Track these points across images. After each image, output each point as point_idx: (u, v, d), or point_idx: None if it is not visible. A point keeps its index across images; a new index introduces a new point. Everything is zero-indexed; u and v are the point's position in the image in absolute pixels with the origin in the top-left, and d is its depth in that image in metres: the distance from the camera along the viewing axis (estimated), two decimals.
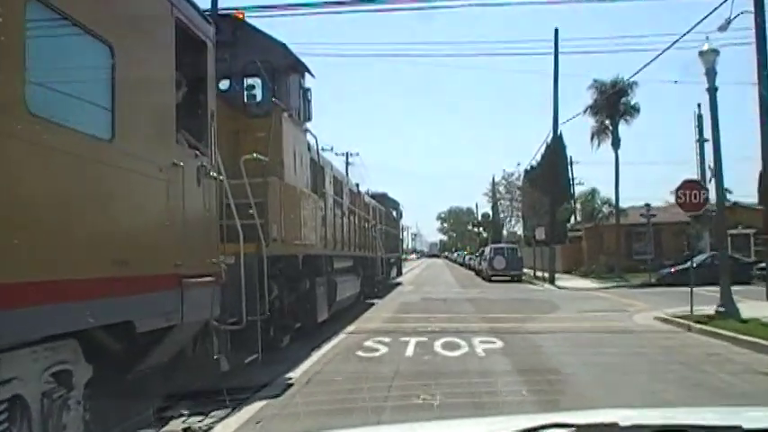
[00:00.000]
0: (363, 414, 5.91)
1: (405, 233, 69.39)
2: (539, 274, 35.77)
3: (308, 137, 11.12)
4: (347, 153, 52.62)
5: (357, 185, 21.48)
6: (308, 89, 10.61)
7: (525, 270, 37.54)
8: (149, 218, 4.83)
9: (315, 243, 11.01)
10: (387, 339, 11.09)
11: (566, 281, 30.96)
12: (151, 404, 5.87)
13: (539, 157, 43.12)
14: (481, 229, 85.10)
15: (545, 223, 34.64)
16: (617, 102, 34.85)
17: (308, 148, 11.26)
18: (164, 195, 4.99)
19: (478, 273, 41.60)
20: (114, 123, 4.24)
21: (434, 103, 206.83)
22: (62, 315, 3.86)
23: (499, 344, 10.42)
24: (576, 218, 44.39)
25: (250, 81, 9.39)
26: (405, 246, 68.42)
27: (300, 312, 10.46)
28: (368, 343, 10.75)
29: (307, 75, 10.60)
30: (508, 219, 50.76)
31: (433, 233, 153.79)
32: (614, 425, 1.58)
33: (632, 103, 35.64)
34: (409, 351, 9.98)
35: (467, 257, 65.80)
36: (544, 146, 41.15)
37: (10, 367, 3.62)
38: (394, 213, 34.62)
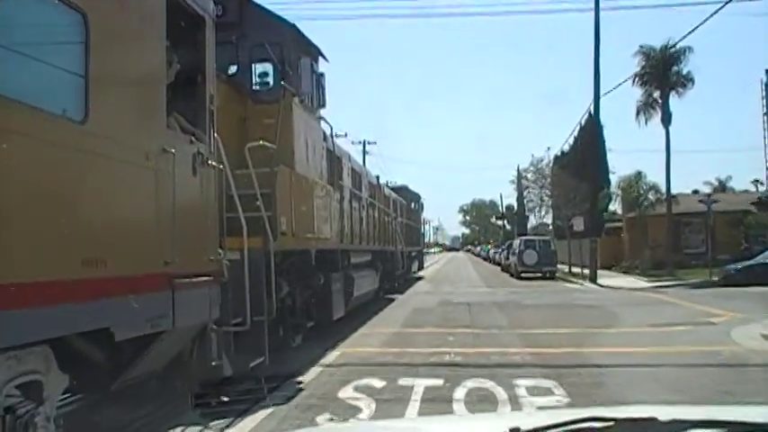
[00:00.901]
0: None
1: (426, 226, 67.05)
2: (575, 270, 31.76)
3: (323, 125, 10.57)
4: (364, 141, 50.23)
5: (377, 177, 20.90)
6: (322, 74, 10.02)
7: (558, 266, 33.26)
8: (131, 211, 4.29)
9: (330, 237, 10.45)
10: (379, 384, 7.19)
11: (608, 278, 26.82)
12: (152, 409, 5.42)
13: (572, 141, 39.87)
14: (505, 221, 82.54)
15: (583, 212, 30.24)
16: (667, 71, 30.12)
17: (324, 138, 10.70)
18: (150, 185, 4.45)
19: (505, 268, 37.88)
20: (87, 102, 3.70)
21: (457, 89, 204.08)
22: (26, 322, 3.35)
23: (558, 393, 6.56)
24: (616, 206, 38.71)
25: (258, 65, 8.81)
26: (426, 239, 66.46)
27: (314, 310, 9.93)
28: (346, 392, 6.92)
29: (320, 58, 10.02)
30: (537, 209, 44.03)
31: (455, 226, 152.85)
32: (653, 419, 1.55)
33: (684, 71, 30.51)
34: (411, 412, 6.04)
35: (491, 251, 61.85)
36: (578, 129, 38.26)
37: None
38: (414, 206, 34.04)
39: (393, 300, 18.88)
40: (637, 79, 31.09)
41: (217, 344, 5.86)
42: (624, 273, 31.03)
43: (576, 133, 38.83)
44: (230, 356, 6.32)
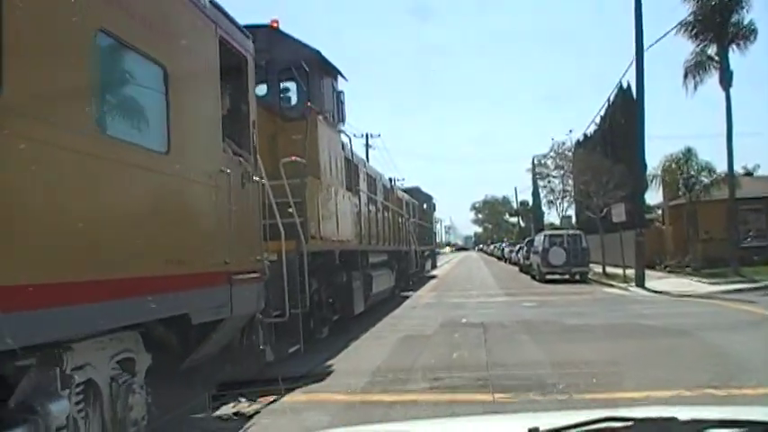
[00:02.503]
0: None
1: (437, 226, 66.08)
2: (611, 270, 26.41)
3: (342, 137, 11.59)
4: (367, 134, 45.93)
5: (390, 180, 21.90)
6: (341, 92, 11.07)
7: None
8: (201, 220, 5.32)
9: (351, 239, 11.48)
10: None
11: (656, 280, 21.67)
12: (204, 391, 6.41)
13: (598, 122, 35.76)
14: (520, 218, 79.33)
15: (619, 200, 24.97)
16: (726, 19, 23.81)
17: (342, 147, 11.73)
18: (213, 200, 5.49)
19: (525, 269, 32.67)
20: (169, 138, 4.73)
21: (466, 81, 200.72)
22: (126, 309, 4.36)
23: None
24: (655, 193, 31.58)
25: (286, 86, 9.86)
26: (438, 239, 66.43)
27: (338, 305, 10.95)
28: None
29: (339, 78, 11.06)
30: (558, 200, 38.38)
31: (467, 225, 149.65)
32: (672, 419, 1.52)
33: (745, 22, 24.18)
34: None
35: (506, 250, 55.39)
36: (605, 108, 34.28)
37: (82, 355, 4.12)
38: (426, 207, 35.02)
39: (408, 297, 19.87)
40: (685, 29, 24.86)
41: (262, 332, 6.90)
42: (671, 272, 25.94)
43: (602, 112, 34.94)
44: (272, 344, 7.38)
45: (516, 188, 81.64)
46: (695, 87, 25.65)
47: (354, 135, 45.48)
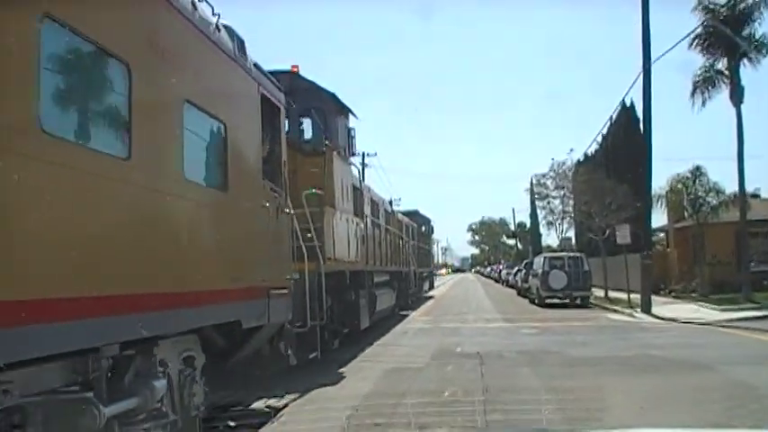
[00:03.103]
0: None
1: (435, 247, 65.49)
2: (612, 295, 25.39)
3: (352, 168, 12.87)
4: (363, 153, 45.68)
5: (390, 203, 23.20)
6: (352, 128, 12.39)
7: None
8: (250, 246, 6.55)
9: (358, 260, 12.70)
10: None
11: (662, 306, 20.79)
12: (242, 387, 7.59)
13: (600, 141, 34.43)
14: (517, 240, 78.43)
15: (622, 221, 24.05)
16: (737, 32, 22.45)
17: (351, 177, 13.00)
18: (257, 229, 6.72)
19: (523, 293, 31.51)
20: (227, 179, 5.98)
21: (461, 95, 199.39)
22: (191, 315, 5.54)
23: None
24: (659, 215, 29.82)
25: (305, 124, 11.14)
26: (435, 260, 66.56)
27: (347, 320, 12.12)
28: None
29: (351, 116, 12.38)
30: (558, 220, 37.35)
31: (464, 247, 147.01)
32: None
33: (758, 35, 23.04)
34: None
35: (503, 272, 53.60)
36: (607, 127, 33.20)
37: (164, 350, 5.29)
38: (425, 229, 36.34)
39: (406, 315, 21.02)
40: (695, 42, 23.75)
41: (288, 339, 8.09)
42: (677, 297, 24.91)
43: (604, 131, 34.00)
44: (294, 351, 8.56)
45: (514, 209, 78.56)
46: (703, 103, 24.36)
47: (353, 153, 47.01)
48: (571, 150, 41.59)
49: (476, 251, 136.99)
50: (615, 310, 21.61)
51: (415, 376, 9.45)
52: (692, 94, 24.53)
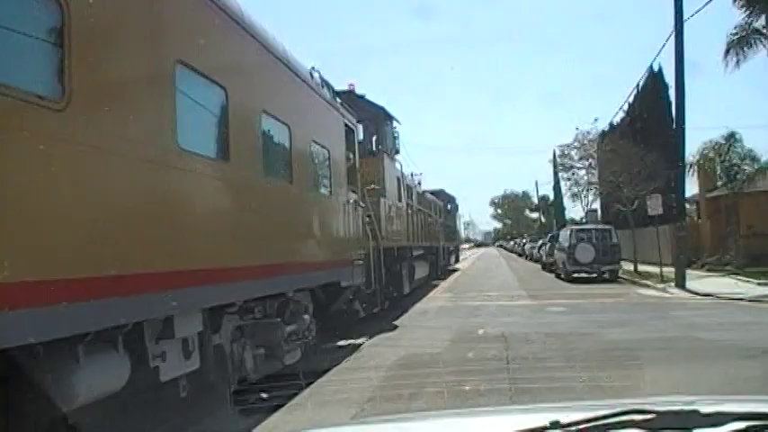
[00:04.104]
0: None
1: (459, 222, 65.61)
2: (643, 268, 24.47)
3: (396, 163, 15.84)
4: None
5: (419, 183, 26.14)
6: (396, 132, 15.34)
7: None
8: (343, 230, 9.59)
9: (402, 238, 15.71)
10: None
11: (696, 280, 19.47)
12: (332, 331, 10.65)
13: (625, 109, 33.07)
14: (540, 214, 77.23)
15: (653, 191, 22.53)
16: None
17: (396, 171, 15.96)
18: (345, 218, 9.75)
19: (548, 267, 30.44)
20: (331, 188, 9.00)
21: (485, 67, 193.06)
22: (322, 276, 8.57)
23: None
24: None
25: (362, 132, 14.11)
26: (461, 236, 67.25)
27: (394, 286, 15.16)
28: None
29: (395, 122, 15.33)
30: (583, 192, 35.93)
31: (486, 221, 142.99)
32: (694, 411, 1.48)
33: None
34: None
35: (527, 246, 51.79)
36: (633, 95, 31.88)
37: (298, 298, 8.34)
38: (450, 207, 39.22)
39: (437, 285, 24.05)
40: None
41: (360, 298, 11.16)
42: (710, 271, 23.49)
43: (630, 99, 32.63)
44: (363, 307, 11.64)
45: (537, 182, 77.47)
46: (737, 64, 22.89)
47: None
48: (596, 120, 41.44)
49: (498, 225, 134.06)
50: (646, 285, 20.60)
51: (432, 363, 8.21)
52: (726, 54, 23.06)
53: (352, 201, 10.18)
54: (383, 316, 13.25)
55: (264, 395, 5.17)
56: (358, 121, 13.99)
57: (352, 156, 10.78)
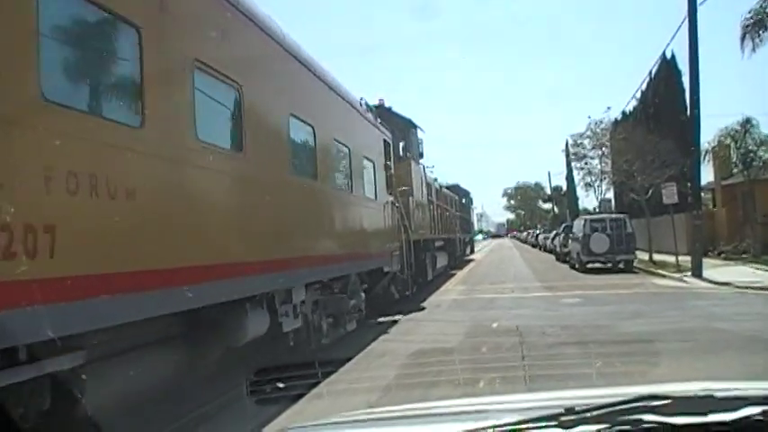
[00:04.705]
0: None
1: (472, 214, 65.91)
2: (657, 258, 24.51)
3: (421, 166, 18.04)
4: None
5: (436, 180, 28.28)
6: (421, 139, 17.53)
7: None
8: (382, 226, 11.80)
9: (426, 231, 17.91)
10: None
11: (713, 269, 19.23)
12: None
13: (638, 98, 32.80)
14: (553, 204, 77.22)
15: (668, 179, 22.57)
16: None
17: (421, 172, 18.15)
18: (385, 216, 11.97)
19: (562, 257, 30.25)
20: (376, 193, 11.20)
21: (494, 62, 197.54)
22: (371, 262, 10.77)
23: None
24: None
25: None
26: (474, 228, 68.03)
27: (419, 273, 17.38)
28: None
29: (419, 131, 17.51)
30: (597, 181, 35.74)
31: (499, 212, 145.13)
32: (710, 396, 1.49)
33: None
34: None
35: (540, 236, 51.49)
36: (646, 83, 31.55)
37: (353, 279, 10.56)
38: (465, 201, 41.36)
39: (454, 274, 26.21)
40: None
41: (395, 283, 13.39)
42: (727, 259, 23.38)
43: (643, 87, 32.33)
44: (398, 290, 13.86)
45: (549, 172, 79.94)
46: (754, 49, 22.08)
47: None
48: (608, 108, 39.58)
49: (511, 216, 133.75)
50: (662, 275, 20.37)
51: (443, 358, 7.76)
52: (742, 40, 22.35)
53: (389, 201, 12.38)
54: (412, 298, 15.46)
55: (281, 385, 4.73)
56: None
57: (389, 164, 12.98)
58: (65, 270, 3.39)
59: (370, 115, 11.38)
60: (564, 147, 43.69)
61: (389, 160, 13.03)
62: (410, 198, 15.42)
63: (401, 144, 16.44)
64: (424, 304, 15.28)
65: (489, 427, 1.47)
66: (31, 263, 3.14)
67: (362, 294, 10.18)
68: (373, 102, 15.01)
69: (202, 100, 5.05)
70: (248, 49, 6.04)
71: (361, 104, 10.80)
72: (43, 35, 3.35)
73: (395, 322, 12.17)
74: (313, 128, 7.78)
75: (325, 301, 8.91)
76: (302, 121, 7.44)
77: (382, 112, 15.75)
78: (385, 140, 12.54)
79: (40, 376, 3.48)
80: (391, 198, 12.73)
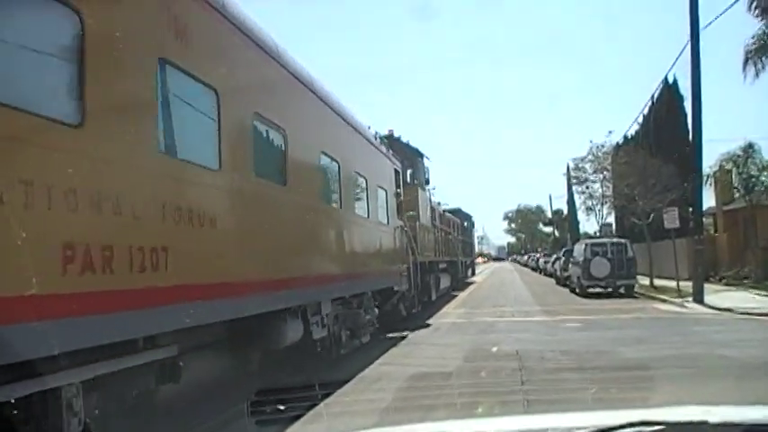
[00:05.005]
0: None
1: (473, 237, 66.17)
2: (658, 282, 24.53)
3: (427, 193, 19.21)
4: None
5: (439, 204, 29.46)
6: (427, 168, 18.76)
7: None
8: (392, 248, 12.91)
9: (431, 254, 19.02)
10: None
11: (714, 294, 19.25)
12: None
13: (640, 122, 32.83)
14: (554, 228, 77.72)
15: (669, 203, 22.81)
16: None
17: (427, 198, 19.31)
18: (395, 240, 13.08)
19: (562, 282, 30.42)
20: (388, 218, 12.34)
21: (495, 80, 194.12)
22: (381, 281, 11.87)
23: None
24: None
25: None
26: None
27: (424, 293, 18.45)
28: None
29: (425, 159, 18.74)
30: (598, 205, 35.78)
31: (500, 235, 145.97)
32: (704, 423, 1.50)
33: None
34: None
35: (541, 260, 51.85)
36: (648, 107, 31.53)
37: (368, 298, 11.63)
38: (467, 224, 42.53)
39: (456, 296, 27.22)
40: (754, 6, 21.80)
41: (403, 301, 14.45)
42: (728, 285, 23.26)
43: (645, 112, 32.38)
44: (405, 307, 14.93)
45: (551, 195, 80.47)
46: (757, 75, 22.30)
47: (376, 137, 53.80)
48: (610, 132, 39.36)
49: (512, 239, 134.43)
50: (663, 300, 20.34)
51: (443, 384, 7.54)
52: (744, 65, 22.62)
53: (399, 226, 13.49)
54: (418, 316, 16.52)
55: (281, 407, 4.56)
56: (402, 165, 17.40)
57: (399, 191, 14.13)
58: (172, 281, 4.50)
59: (383, 148, 12.55)
60: (565, 170, 43.97)
61: (399, 187, 14.17)
62: (417, 222, 16.53)
63: (409, 171, 17.61)
64: (429, 321, 16.33)
65: None
66: (153, 275, 4.25)
67: (376, 310, 11.25)
68: (381, 128, 16.22)
69: (259, 143, 6.20)
70: (293, 100, 7.23)
71: (375, 138, 11.96)
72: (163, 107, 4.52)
73: (403, 338, 13.23)
74: (338, 162, 8.93)
75: (345, 315, 9.98)
76: (330, 157, 8.59)
77: (392, 142, 16.96)
78: (396, 170, 13.70)
79: (148, 362, 4.57)
80: (401, 222, 13.85)
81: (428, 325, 15.71)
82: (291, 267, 7.00)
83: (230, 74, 5.61)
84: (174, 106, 4.86)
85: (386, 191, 12.26)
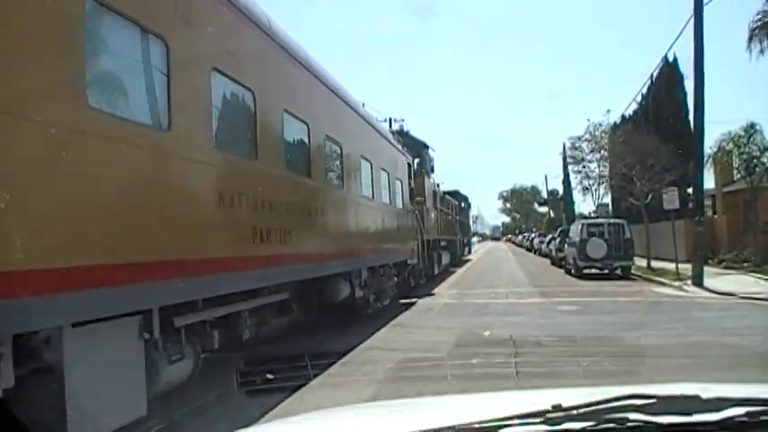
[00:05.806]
0: None
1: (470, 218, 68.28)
2: (656, 265, 24.09)
3: (431, 180, 21.87)
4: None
5: (439, 185, 32.09)
6: (432, 158, 21.38)
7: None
8: (405, 228, 15.58)
9: (434, 233, 21.72)
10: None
11: (714, 278, 18.89)
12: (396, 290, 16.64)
13: (638, 101, 32.30)
14: (549, 208, 76.64)
15: (668, 184, 22.44)
16: None
17: (431, 184, 21.95)
18: (408, 220, 15.76)
19: (557, 262, 30.10)
20: (403, 203, 15.01)
21: (495, 60, 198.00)
22: (399, 255, 14.55)
23: None
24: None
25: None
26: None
27: (428, 267, 21.17)
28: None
29: (430, 150, 21.36)
30: (595, 185, 34.81)
31: (495, 215, 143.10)
32: (695, 397, 1.50)
33: None
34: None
35: (536, 241, 51.27)
36: (647, 86, 30.99)
37: (389, 267, 14.32)
38: (464, 205, 45.22)
39: (454, 272, 29.94)
40: None
41: (412, 273, 17.17)
42: (727, 268, 22.71)
43: (644, 90, 31.75)
44: (414, 278, 17.66)
45: (546, 175, 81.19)
46: (761, 52, 21.77)
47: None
48: (608, 111, 40.39)
49: (507, 219, 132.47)
50: (662, 283, 19.77)
51: (431, 372, 7.07)
52: (749, 42, 21.99)
53: (411, 209, 16.15)
54: (424, 285, 19.26)
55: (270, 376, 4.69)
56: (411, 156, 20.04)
57: (410, 181, 16.77)
58: (292, 251, 7.18)
59: (399, 146, 15.17)
60: (561, 150, 43.37)
61: (410, 177, 16.80)
62: (423, 206, 19.20)
63: (416, 161, 20.24)
64: (434, 291, 19.08)
65: (476, 423, 1.51)
66: (261, 245, 6.91)
67: (395, 279, 13.95)
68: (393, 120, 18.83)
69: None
70: (348, 122, 9.92)
71: (393, 135, 14.58)
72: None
73: (413, 303, 15.89)
74: (371, 162, 11.58)
75: (373, 281, 12.65)
76: (366, 159, 11.25)
77: (402, 135, 19.61)
78: (408, 163, 16.33)
79: (277, 300, 7.25)
80: (411, 207, 16.50)
81: (433, 293, 18.46)
82: (348, 243, 9.68)
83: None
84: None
85: (401, 181, 14.90)
